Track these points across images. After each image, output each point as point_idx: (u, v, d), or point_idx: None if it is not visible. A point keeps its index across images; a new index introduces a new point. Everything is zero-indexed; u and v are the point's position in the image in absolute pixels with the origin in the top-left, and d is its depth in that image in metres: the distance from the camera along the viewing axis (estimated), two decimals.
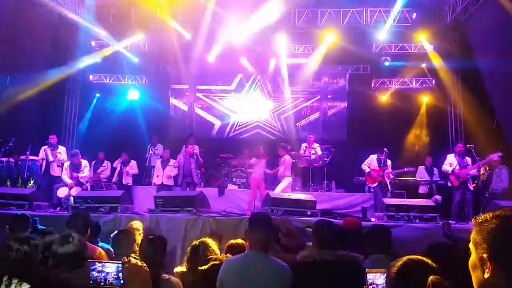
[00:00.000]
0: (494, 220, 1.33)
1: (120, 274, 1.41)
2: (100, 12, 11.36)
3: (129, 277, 1.40)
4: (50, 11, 9.89)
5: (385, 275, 1.85)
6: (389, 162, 9.33)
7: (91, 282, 1.45)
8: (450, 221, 6.83)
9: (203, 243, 3.86)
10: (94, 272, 1.44)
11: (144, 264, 1.47)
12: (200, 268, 3.32)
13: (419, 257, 1.82)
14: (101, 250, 3.95)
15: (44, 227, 2.93)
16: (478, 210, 8.17)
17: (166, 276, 2.83)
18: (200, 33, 11.77)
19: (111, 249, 4.01)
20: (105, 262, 1.43)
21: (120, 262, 1.44)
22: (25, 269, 2.21)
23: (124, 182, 10.57)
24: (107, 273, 1.40)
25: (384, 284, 1.83)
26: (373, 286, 1.84)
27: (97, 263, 1.43)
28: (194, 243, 3.85)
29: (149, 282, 1.51)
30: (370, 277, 1.86)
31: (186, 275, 3.52)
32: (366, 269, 1.92)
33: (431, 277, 1.63)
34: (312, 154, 10.60)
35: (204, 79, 13.86)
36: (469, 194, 8.49)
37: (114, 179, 10.69)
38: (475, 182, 9.22)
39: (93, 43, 13.12)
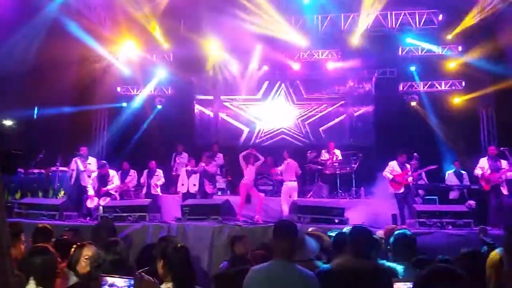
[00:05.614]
0: None
1: None
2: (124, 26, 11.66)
3: None
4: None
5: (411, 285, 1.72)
6: (408, 166, 8.99)
7: None
8: (487, 227, 6.58)
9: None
10: (105, 287, 1.39)
11: (157, 281, 1.41)
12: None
13: (447, 265, 1.69)
14: None
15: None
16: None
17: None
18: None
19: None
20: (116, 277, 1.38)
21: (133, 277, 1.39)
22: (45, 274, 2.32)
23: (153, 192, 10.66)
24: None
25: None
26: None
27: (107, 278, 1.39)
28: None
29: None
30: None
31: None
32: (393, 280, 1.75)
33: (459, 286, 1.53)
34: (336, 161, 10.50)
35: (229, 89, 13.92)
36: (504, 199, 8.11)
37: (144, 191, 10.83)
38: None
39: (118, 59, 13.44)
